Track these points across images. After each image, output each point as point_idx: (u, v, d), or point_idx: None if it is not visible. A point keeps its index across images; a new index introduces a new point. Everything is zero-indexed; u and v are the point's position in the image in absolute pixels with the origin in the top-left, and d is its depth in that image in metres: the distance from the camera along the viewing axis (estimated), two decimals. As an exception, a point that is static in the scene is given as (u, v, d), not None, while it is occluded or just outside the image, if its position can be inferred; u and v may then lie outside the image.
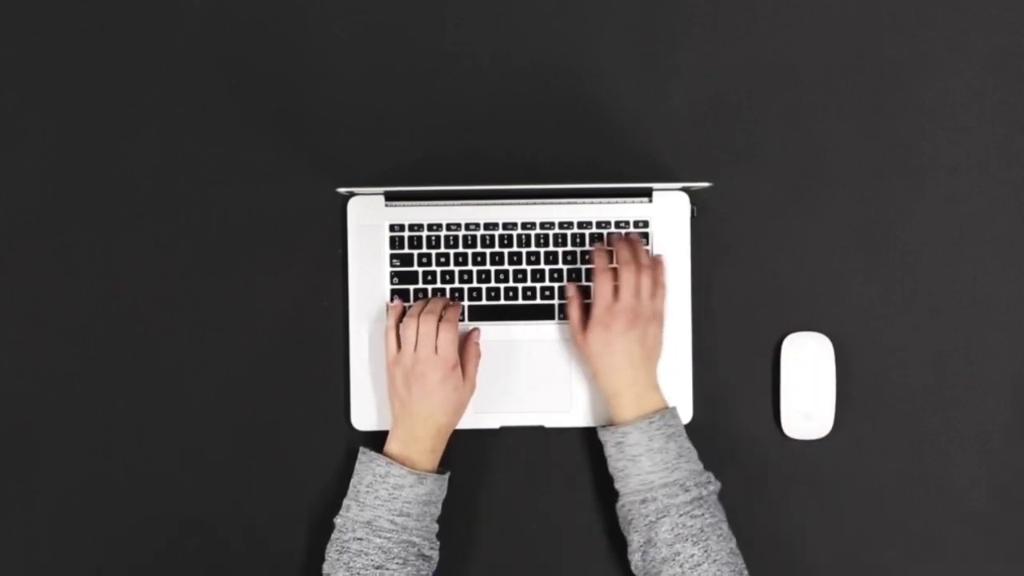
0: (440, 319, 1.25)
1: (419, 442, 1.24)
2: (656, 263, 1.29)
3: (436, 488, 1.24)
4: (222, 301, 1.33)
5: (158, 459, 1.33)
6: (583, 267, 1.31)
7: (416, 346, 1.24)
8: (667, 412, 1.23)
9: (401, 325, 1.26)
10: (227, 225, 1.33)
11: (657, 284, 1.27)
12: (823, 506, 1.33)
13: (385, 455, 1.24)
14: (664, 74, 1.34)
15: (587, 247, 1.31)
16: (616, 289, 1.25)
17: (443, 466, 1.27)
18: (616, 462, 1.24)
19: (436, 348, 1.24)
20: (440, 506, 1.25)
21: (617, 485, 1.24)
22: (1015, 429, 1.33)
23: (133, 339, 1.33)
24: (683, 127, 1.34)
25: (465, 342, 1.29)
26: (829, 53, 1.34)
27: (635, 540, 1.21)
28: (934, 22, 1.34)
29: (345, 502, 1.24)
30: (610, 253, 1.28)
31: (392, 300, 1.31)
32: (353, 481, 1.24)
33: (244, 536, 1.33)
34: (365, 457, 1.24)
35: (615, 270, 1.26)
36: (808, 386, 1.31)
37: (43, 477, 1.32)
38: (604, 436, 1.25)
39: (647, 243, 1.31)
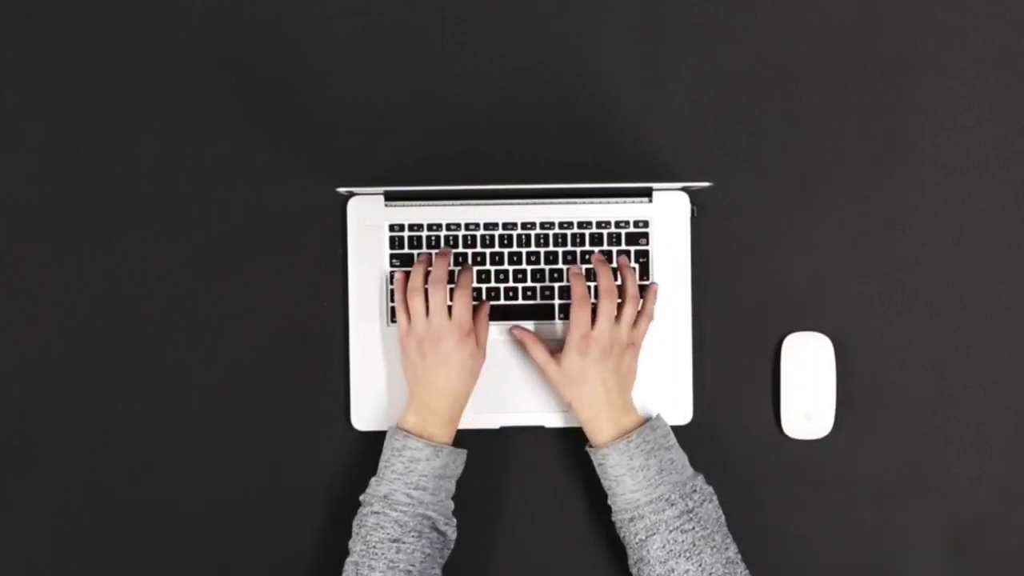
0: (456, 284, 1.25)
1: (436, 413, 1.24)
2: (649, 291, 1.28)
3: (451, 462, 1.23)
4: (222, 301, 1.33)
5: (158, 459, 1.33)
6: (583, 267, 1.31)
7: (429, 314, 1.24)
8: (645, 428, 1.23)
9: (408, 296, 1.26)
10: (227, 225, 1.33)
11: (643, 313, 1.27)
12: (823, 506, 1.33)
13: (401, 429, 1.24)
14: (664, 74, 1.34)
15: (587, 247, 1.31)
16: (594, 317, 1.24)
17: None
18: (603, 480, 1.24)
19: (450, 314, 1.24)
20: (455, 482, 1.25)
21: (609, 501, 1.24)
22: (1015, 429, 1.33)
23: (133, 339, 1.33)
24: (683, 127, 1.34)
25: (477, 312, 1.28)
26: (829, 53, 1.34)
27: (630, 555, 1.22)
28: (934, 22, 1.34)
29: (372, 479, 1.24)
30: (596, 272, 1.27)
31: (392, 274, 1.30)
32: (381, 457, 1.24)
33: (243, 536, 1.33)
34: (389, 432, 1.24)
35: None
36: (808, 386, 1.31)
37: (43, 477, 1.32)
38: (590, 454, 1.26)
39: (647, 243, 1.31)
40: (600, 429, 1.24)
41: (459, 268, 1.28)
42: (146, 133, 1.33)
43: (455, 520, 1.24)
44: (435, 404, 1.24)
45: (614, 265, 1.30)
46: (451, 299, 1.25)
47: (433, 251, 1.30)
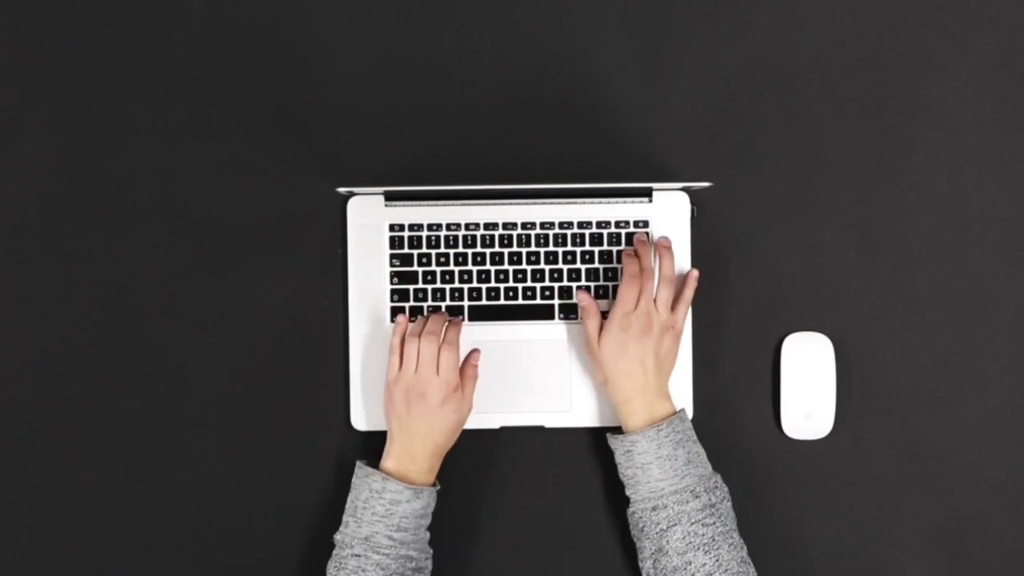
0: (443, 339, 1.25)
1: (416, 462, 1.23)
2: (687, 277, 1.29)
3: (431, 502, 1.23)
4: (222, 301, 1.33)
5: (158, 459, 1.33)
6: (583, 267, 1.31)
7: (417, 366, 1.24)
8: (675, 418, 1.23)
9: (406, 341, 1.25)
10: (227, 225, 1.33)
11: (681, 299, 1.27)
12: (823, 506, 1.33)
13: (380, 471, 1.24)
14: (664, 74, 1.34)
15: (587, 247, 1.31)
16: (638, 297, 1.25)
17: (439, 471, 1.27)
18: (626, 469, 1.24)
19: (438, 369, 1.24)
20: (430, 516, 1.25)
21: (628, 492, 1.24)
22: (1015, 429, 1.33)
23: (133, 339, 1.33)
24: (683, 127, 1.34)
25: (464, 364, 1.28)
26: (829, 53, 1.34)
27: (646, 547, 1.21)
28: (934, 22, 1.34)
29: (344, 518, 1.23)
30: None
31: (395, 318, 1.30)
32: (351, 496, 1.23)
33: (243, 536, 1.33)
34: (361, 472, 1.23)
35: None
36: (808, 386, 1.31)
37: (43, 477, 1.33)
38: (613, 444, 1.25)
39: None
40: (633, 412, 1.24)
41: (448, 322, 1.27)
42: (146, 133, 1.34)
43: (431, 550, 1.24)
44: (416, 454, 1.23)
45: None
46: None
47: (433, 311, 1.30)
